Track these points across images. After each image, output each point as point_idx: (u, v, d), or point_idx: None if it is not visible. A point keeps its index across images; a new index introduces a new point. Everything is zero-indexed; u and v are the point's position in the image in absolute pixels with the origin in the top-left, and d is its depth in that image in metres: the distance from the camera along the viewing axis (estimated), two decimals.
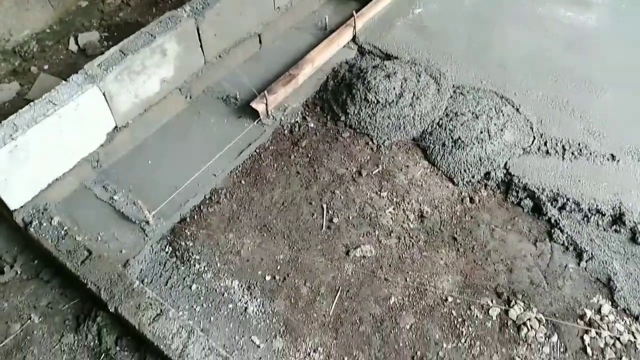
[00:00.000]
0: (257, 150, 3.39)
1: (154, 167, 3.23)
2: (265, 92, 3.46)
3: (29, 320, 2.61)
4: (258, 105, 3.44)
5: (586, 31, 4.10)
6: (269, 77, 3.72)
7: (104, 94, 3.02)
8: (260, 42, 3.96)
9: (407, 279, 2.81)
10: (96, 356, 2.54)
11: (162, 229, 2.95)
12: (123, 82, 3.10)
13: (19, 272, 2.80)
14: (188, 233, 2.97)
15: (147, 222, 2.88)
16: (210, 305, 2.70)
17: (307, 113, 3.64)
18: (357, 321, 2.66)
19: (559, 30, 4.11)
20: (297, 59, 3.82)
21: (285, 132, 3.51)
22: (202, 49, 3.52)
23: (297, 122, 3.57)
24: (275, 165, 3.32)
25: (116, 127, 3.22)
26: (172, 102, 3.50)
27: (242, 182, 3.23)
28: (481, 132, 3.35)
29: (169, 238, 2.95)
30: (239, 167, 3.30)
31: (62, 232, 2.78)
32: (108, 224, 2.93)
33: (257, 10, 3.79)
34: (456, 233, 3.03)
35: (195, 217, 3.05)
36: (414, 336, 2.62)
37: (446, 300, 2.73)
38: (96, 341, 2.57)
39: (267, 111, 3.47)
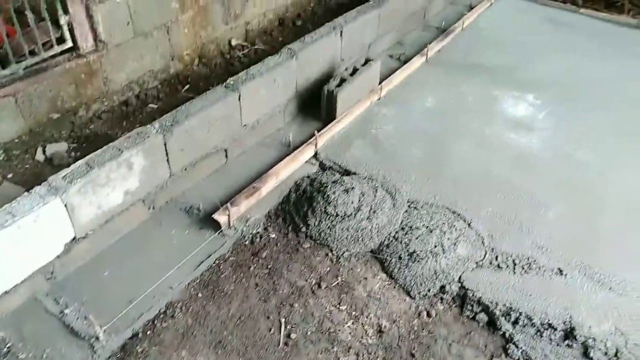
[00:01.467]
0: (217, 262, 3.40)
1: (110, 279, 3.19)
2: (228, 204, 3.56)
3: None
4: (220, 217, 3.51)
5: (530, 152, 4.44)
6: (233, 190, 3.84)
7: (65, 206, 3.05)
8: (226, 156, 4.13)
9: None
10: None
11: (112, 345, 2.84)
12: (86, 194, 3.15)
13: None
14: (139, 350, 2.87)
15: (97, 338, 2.79)
16: None
17: (269, 224, 3.72)
18: None
19: (505, 150, 4.44)
20: (261, 172, 3.98)
21: (246, 243, 3.56)
22: (168, 163, 3.64)
23: (258, 232, 3.64)
24: (234, 277, 3.33)
25: (75, 237, 3.22)
26: (135, 213, 3.55)
27: (199, 294, 3.20)
28: (435, 246, 3.47)
29: (118, 355, 2.84)
30: (197, 279, 3.28)
31: (5, 350, 2.66)
32: (56, 340, 2.81)
33: (224, 128, 4.00)
34: (414, 349, 3.02)
35: (148, 332, 2.96)
36: None
37: None
38: None
39: (229, 222, 3.54)
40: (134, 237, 3.45)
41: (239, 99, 3.99)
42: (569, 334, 3.02)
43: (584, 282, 3.31)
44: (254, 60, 4.48)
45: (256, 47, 5.67)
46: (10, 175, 3.85)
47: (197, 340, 2.95)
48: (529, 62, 5.77)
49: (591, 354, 2.93)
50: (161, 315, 3.05)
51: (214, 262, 3.40)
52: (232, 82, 4.01)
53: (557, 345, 3.01)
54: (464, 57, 5.84)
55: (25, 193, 2.95)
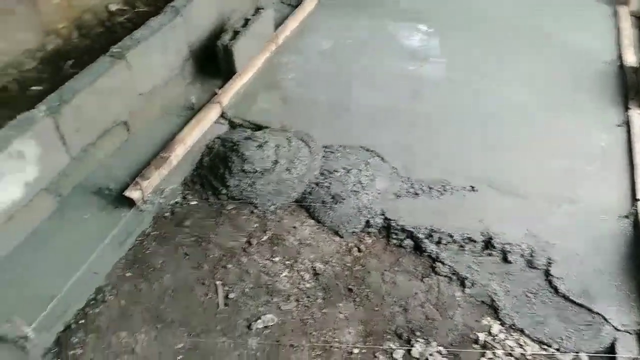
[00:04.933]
0: (139, 239, 3.28)
1: (29, 277, 2.98)
2: (138, 178, 3.41)
3: None
4: (132, 193, 3.36)
5: (428, 80, 4.61)
6: (141, 163, 3.67)
7: None
8: (128, 129, 3.91)
9: (312, 340, 2.83)
10: None
11: (45, 342, 2.70)
12: None
13: None
14: (75, 340, 2.75)
15: (27, 338, 2.62)
16: None
17: (187, 192, 3.62)
18: None
19: (405, 82, 4.57)
20: (167, 141, 3.83)
21: (167, 214, 3.45)
22: (65, 146, 3.39)
23: (177, 202, 3.53)
24: (160, 250, 3.24)
25: None
26: (41, 205, 3.30)
27: (128, 274, 3.09)
28: (355, 185, 3.56)
29: (54, 350, 2.71)
30: (122, 259, 3.16)
31: None
32: None
33: (119, 100, 3.76)
34: (350, 284, 3.13)
35: (81, 321, 2.84)
36: None
37: (352, 353, 2.78)
38: None
39: (143, 197, 3.40)
40: (46, 229, 3.24)
41: (128, 67, 3.75)
42: (488, 243, 3.26)
43: (493, 194, 3.56)
44: (138, 24, 4.19)
45: (137, 9, 5.30)
46: None
47: (135, 319, 2.87)
48: None
49: (509, 258, 3.19)
50: (92, 302, 2.92)
51: (136, 240, 3.27)
52: (116, 50, 3.75)
53: (479, 255, 3.25)
54: None
55: None
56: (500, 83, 4.55)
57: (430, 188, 3.59)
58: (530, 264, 3.17)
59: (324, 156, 3.83)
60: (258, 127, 4.04)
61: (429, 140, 3.97)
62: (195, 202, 3.54)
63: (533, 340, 2.85)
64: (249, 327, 2.88)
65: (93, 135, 3.61)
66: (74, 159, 3.48)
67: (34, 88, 4.32)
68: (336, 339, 2.84)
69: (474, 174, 3.68)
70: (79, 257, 3.07)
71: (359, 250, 3.32)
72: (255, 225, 3.42)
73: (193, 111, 4.14)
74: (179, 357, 2.73)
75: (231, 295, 3.02)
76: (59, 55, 4.66)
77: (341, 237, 3.39)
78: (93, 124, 3.59)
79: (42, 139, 3.20)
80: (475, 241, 3.27)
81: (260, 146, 3.67)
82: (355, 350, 2.79)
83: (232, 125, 4.11)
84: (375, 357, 2.76)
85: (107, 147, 3.76)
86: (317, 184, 3.63)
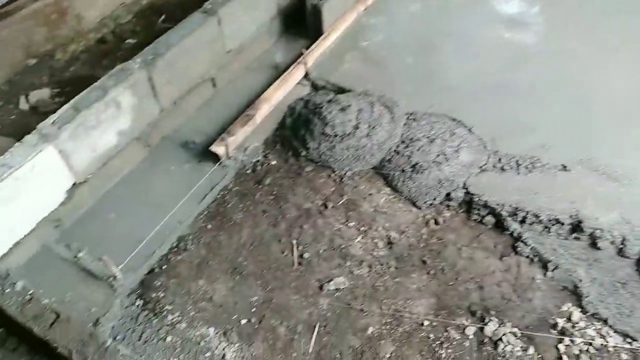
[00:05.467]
0: (221, 193, 3.39)
1: (117, 221, 3.18)
2: (225, 134, 3.49)
3: None
4: (218, 148, 3.45)
5: (524, 49, 4.31)
6: (226, 119, 3.75)
7: (60, 152, 2.98)
8: (214, 85, 4.00)
9: (383, 307, 2.83)
10: None
11: (130, 282, 2.89)
12: (78, 138, 3.07)
13: None
14: (158, 284, 2.92)
15: (115, 277, 2.82)
16: (187, 355, 2.64)
17: (268, 151, 3.68)
18: (338, 356, 2.65)
19: (498, 49, 4.31)
20: (252, 99, 3.87)
21: (248, 171, 3.53)
22: (156, 98, 3.52)
23: (258, 160, 3.60)
24: (240, 206, 3.33)
25: (75, 183, 3.17)
26: (131, 153, 3.48)
27: (209, 226, 3.21)
28: (437, 155, 3.45)
29: (138, 291, 2.90)
30: (204, 211, 3.28)
31: (27, 297, 2.68)
32: (74, 283, 2.85)
33: (208, 55, 3.84)
34: (425, 256, 3.08)
35: (164, 266, 3.00)
36: None
37: (422, 324, 2.75)
38: None
39: (227, 153, 3.49)
40: (135, 177, 3.42)
41: (219, 23, 3.80)
42: (576, 227, 3.07)
43: (588, 175, 3.32)
44: None
45: None
46: None
47: (213, 269, 3.00)
48: None
49: (599, 244, 2.99)
50: (174, 249, 3.08)
51: (218, 194, 3.38)
52: (209, 6, 3.80)
53: (565, 239, 3.07)
54: None
55: (17, 143, 2.86)
56: (604, 57, 4.17)
57: (519, 164, 3.41)
58: (621, 252, 2.96)
59: (406, 123, 3.72)
60: (341, 90, 3.99)
61: (521, 113, 3.74)
62: (275, 162, 3.59)
63: (617, 332, 2.69)
64: (320, 287, 2.92)
65: (182, 89, 3.72)
66: (163, 111, 3.62)
67: (129, 41, 4.53)
68: (407, 309, 2.82)
69: (567, 153, 3.44)
70: (164, 207, 3.22)
71: (436, 223, 3.25)
72: (331, 189, 3.43)
73: (278, 70, 4.15)
74: (252, 309, 2.83)
75: (305, 255, 3.07)
76: (153, 10, 4.83)
77: (418, 208, 3.33)
78: (183, 78, 3.69)
79: (137, 90, 3.34)
80: (562, 223, 3.09)
81: (342, 109, 3.63)
82: (426, 323, 2.76)
83: (315, 87, 4.08)
84: (447, 331, 2.72)
85: (194, 102, 3.86)
86: (397, 152, 3.56)
